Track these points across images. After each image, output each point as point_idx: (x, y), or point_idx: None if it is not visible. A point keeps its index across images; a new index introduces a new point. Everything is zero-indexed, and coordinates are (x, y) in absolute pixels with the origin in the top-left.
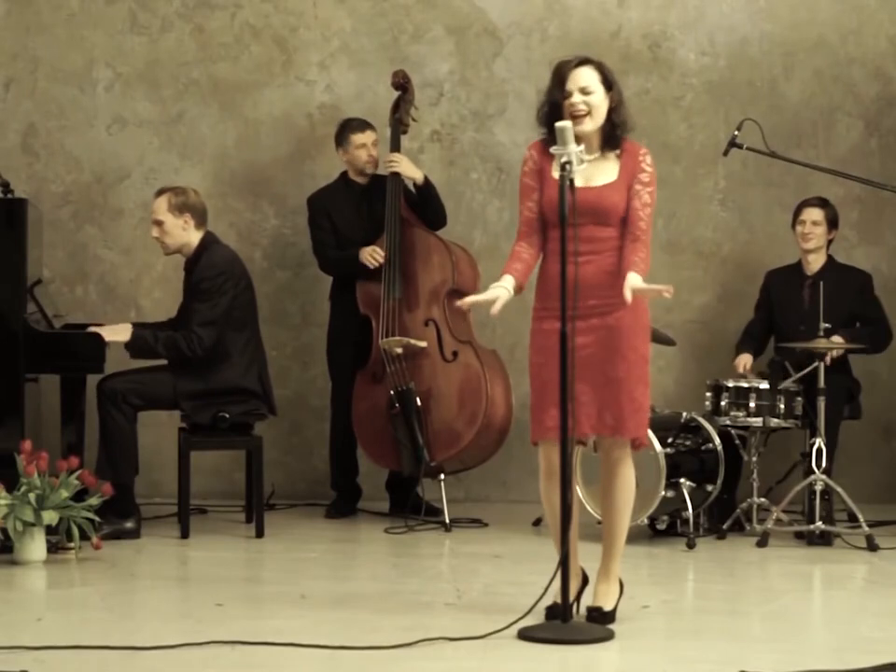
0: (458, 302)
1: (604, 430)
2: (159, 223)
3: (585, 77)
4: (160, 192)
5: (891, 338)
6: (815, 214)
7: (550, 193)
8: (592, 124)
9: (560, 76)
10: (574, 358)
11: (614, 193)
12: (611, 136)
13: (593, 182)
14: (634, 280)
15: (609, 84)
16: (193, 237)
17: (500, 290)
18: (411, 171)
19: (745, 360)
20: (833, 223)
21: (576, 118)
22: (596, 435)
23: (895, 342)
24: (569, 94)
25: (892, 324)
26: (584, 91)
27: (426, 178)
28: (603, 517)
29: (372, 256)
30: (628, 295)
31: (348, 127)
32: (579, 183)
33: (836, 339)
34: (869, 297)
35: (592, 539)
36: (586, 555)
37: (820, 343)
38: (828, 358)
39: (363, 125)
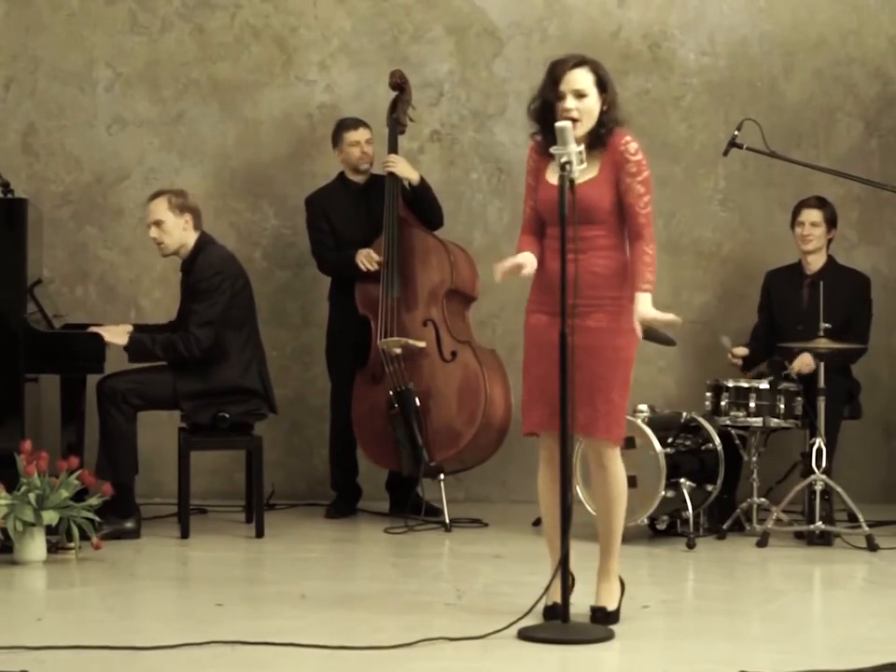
0: (497, 266)
1: (578, 430)
2: (158, 223)
3: (580, 80)
4: (157, 194)
5: (864, 351)
6: (813, 215)
7: (543, 194)
8: (582, 129)
9: (555, 75)
10: (574, 357)
11: (595, 189)
12: (598, 137)
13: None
14: (642, 307)
15: (603, 85)
16: (190, 238)
17: (530, 256)
18: (407, 171)
19: (738, 350)
20: (831, 223)
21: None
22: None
23: (889, 346)
24: (563, 96)
25: (892, 326)
26: (578, 95)
27: (421, 179)
28: (597, 516)
29: (368, 259)
30: (638, 329)
31: (342, 126)
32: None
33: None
34: (862, 302)
35: (589, 539)
36: (582, 555)
37: (819, 343)
38: (794, 371)
39: (356, 123)
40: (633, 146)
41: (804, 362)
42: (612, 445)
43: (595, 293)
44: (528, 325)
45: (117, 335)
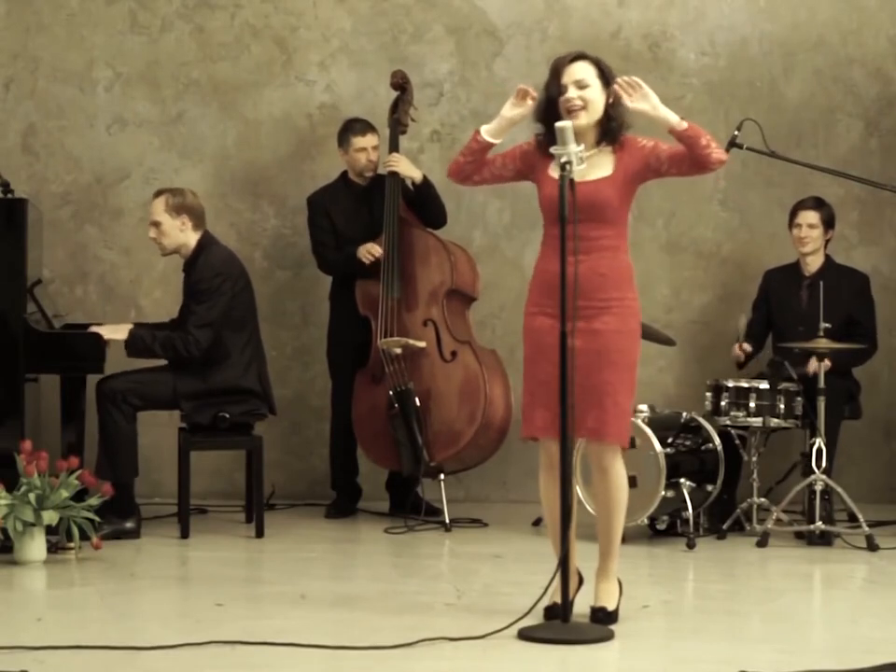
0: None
1: (585, 433)
2: (156, 224)
3: (581, 71)
4: (157, 193)
5: (874, 350)
6: (810, 217)
7: (546, 191)
8: (587, 118)
9: (556, 71)
10: (574, 359)
11: (609, 187)
12: (608, 131)
13: (587, 177)
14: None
15: (606, 79)
16: (191, 238)
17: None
18: (409, 170)
19: (747, 346)
20: (829, 223)
21: (571, 111)
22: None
23: (888, 346)
24: (565, 88)
25: (892, 326)
26: (580, 85)
27: (424, 177)
28: (597, 518)
29: (369, 252)
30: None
31: (350, 129)
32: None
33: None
34: (864, 301)
35: (591, 539)
36: (585, 555)
37: (820, 344)
38: (811, 370)
39: (365, 128)
40: (641, 136)
41: (816, 363)
42: (617, 448)
43: (601, 295)
44: (531, 327)
45: (117, 331)
